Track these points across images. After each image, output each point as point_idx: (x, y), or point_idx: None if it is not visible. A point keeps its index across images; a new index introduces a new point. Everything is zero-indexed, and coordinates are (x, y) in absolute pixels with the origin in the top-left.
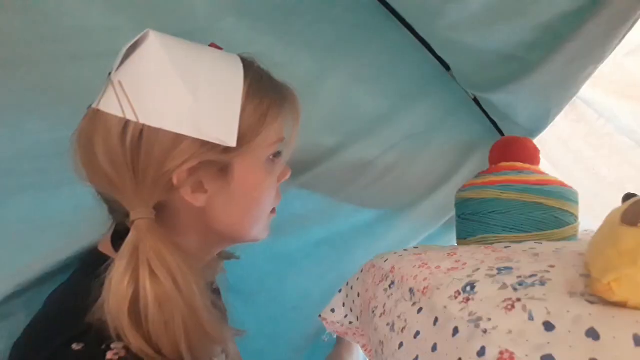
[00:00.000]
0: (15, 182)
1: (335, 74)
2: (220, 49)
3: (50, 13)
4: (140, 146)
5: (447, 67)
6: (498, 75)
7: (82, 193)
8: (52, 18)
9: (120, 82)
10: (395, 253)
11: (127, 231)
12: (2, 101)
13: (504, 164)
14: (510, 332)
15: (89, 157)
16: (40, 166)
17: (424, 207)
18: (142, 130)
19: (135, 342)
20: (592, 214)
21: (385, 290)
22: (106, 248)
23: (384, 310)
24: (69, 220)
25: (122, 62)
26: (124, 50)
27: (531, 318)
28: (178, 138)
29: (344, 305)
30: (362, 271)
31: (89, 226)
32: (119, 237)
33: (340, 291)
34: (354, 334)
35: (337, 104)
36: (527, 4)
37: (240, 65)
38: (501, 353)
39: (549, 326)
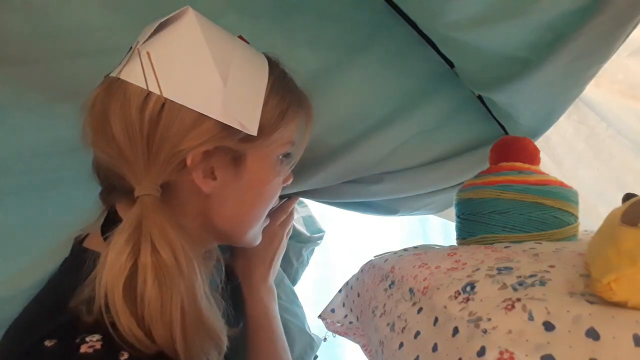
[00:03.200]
0: (13, 182)
1: (339, 72)
2: (247, 42)
3: (49, 11)
4: (160, 120)
5: (452, 65)
6: (500, 74)
7: (81, 193)
8: (51, 16)
9: (148, 54)
10: (395, 253)
11: (120, 220)
12: (0, 99)
13: (504, 164)
14: (510, 332)
15: (101, 124)
16: (39, 165)
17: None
18: (164, 105)
19: (125, 320)
20: (595, 213)
21: (385, 290)
22: (93, 244)
23: (384, 311)
24: (68, 221)
25: (152, 35)
26: (156, 23)
27: (531, 318)
28: (200, 118)
29: (343, 305)
30: (361, 271)
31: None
32: (109, 227)
33: (340, 291)
34: (354, 334)
35: (341, 102)
36: (529, 3)
37: (265, 61)
38: (501, 353)
39: (549, 326)
